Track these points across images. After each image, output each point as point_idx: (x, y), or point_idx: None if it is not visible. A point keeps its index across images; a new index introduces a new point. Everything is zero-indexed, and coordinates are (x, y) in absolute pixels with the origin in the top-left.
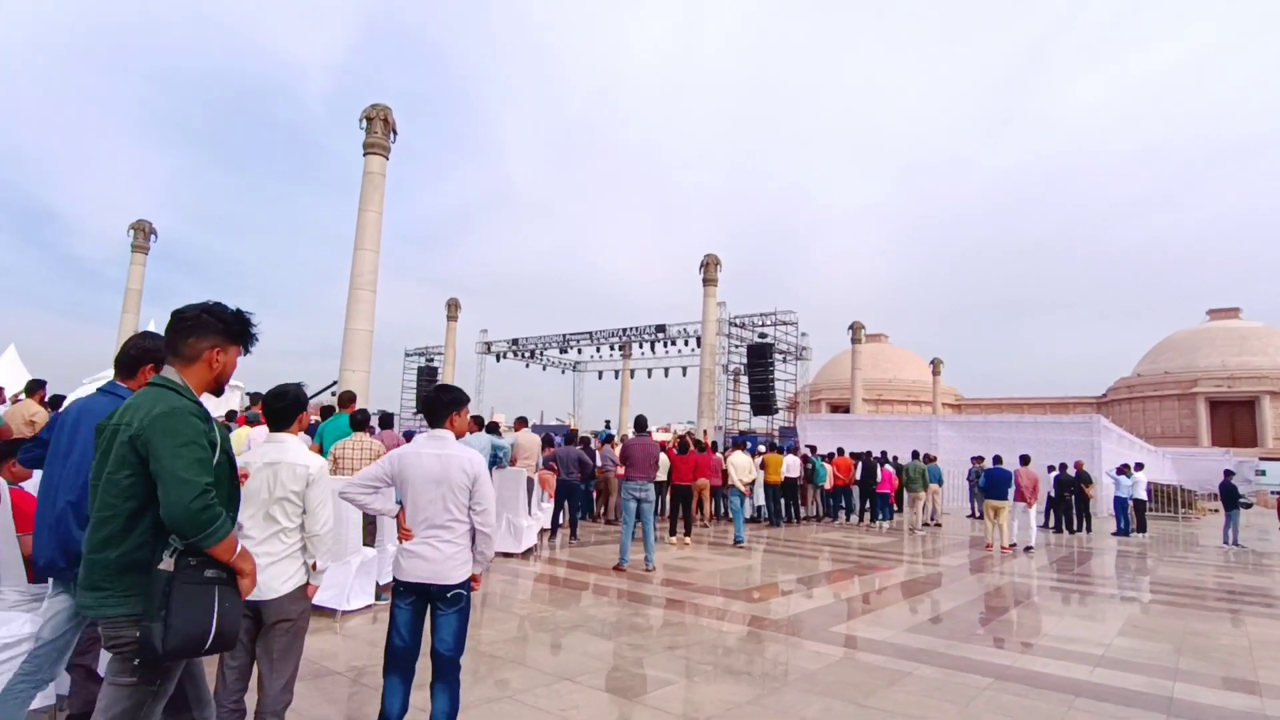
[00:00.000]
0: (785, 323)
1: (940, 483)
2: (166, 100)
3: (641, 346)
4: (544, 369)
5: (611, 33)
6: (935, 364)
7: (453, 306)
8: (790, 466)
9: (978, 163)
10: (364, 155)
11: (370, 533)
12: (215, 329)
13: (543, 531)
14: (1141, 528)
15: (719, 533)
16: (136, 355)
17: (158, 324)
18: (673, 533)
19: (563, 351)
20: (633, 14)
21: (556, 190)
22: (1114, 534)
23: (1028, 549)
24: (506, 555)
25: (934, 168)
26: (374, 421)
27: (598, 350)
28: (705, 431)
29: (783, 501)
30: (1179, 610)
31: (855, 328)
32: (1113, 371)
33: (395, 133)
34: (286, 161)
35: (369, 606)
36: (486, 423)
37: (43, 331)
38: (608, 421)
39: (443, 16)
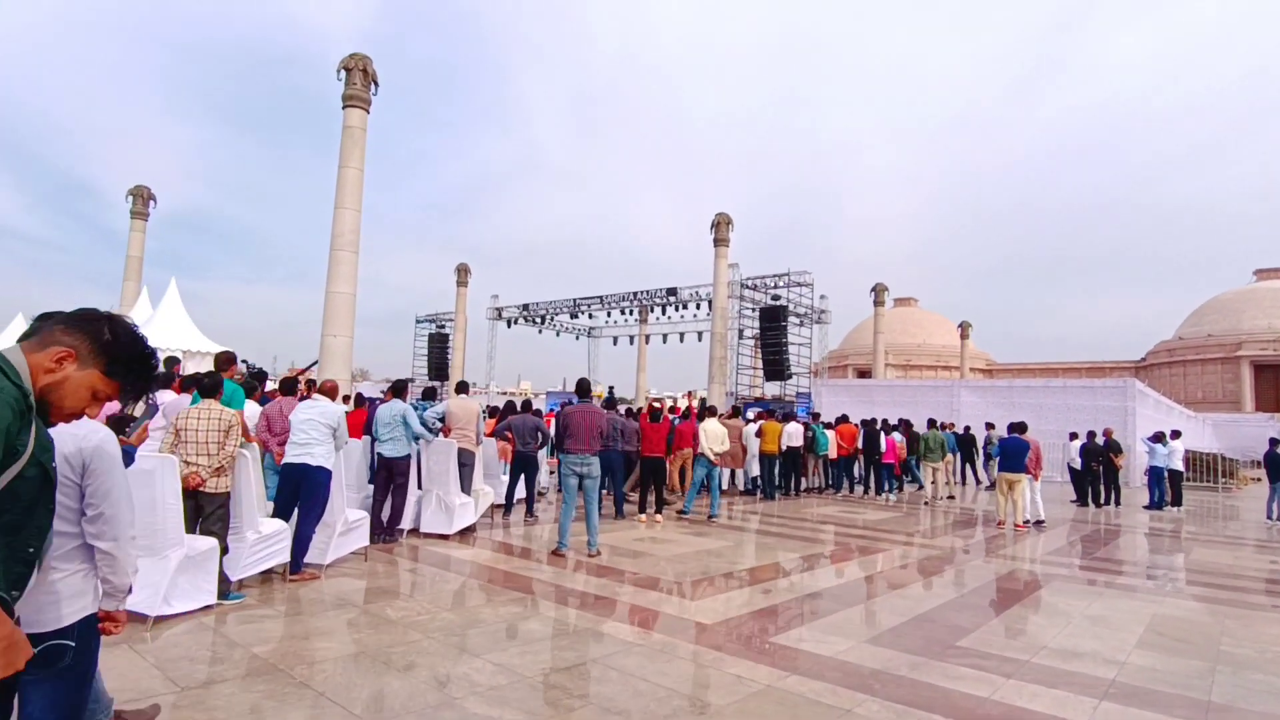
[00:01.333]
0: (800, 284)
1: (955, 452)
2: (195, 72)
3: (653, 310)
4: (558, 335)
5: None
6: (964, 327)
7: (462, 272)
8: (791, 435)
9: (1013, 120)
10: (343, 108)
11: (201, 521)
12: (85, 333)
13: (496, 507)
14: (1177, 500)
15: (703, 508)
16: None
17: (173, 293)
18: (642, 509)
19: (573, 316)
20: None
21: (582, 156)
22: (1145, 507)
23: (1039, 523)
24: (443, 537)
25: (966, 125)
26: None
27: (609, 315)
28: (692, 396)
29: (778, 473)
30: (1214, 608)
31: (878, 289)
32: (1152, 336)
33: (376, 84)
34: (313, 131)
35: (207, 608)
36: (393, 383)
37: (81, 303)
38: (611, 388)
39: None
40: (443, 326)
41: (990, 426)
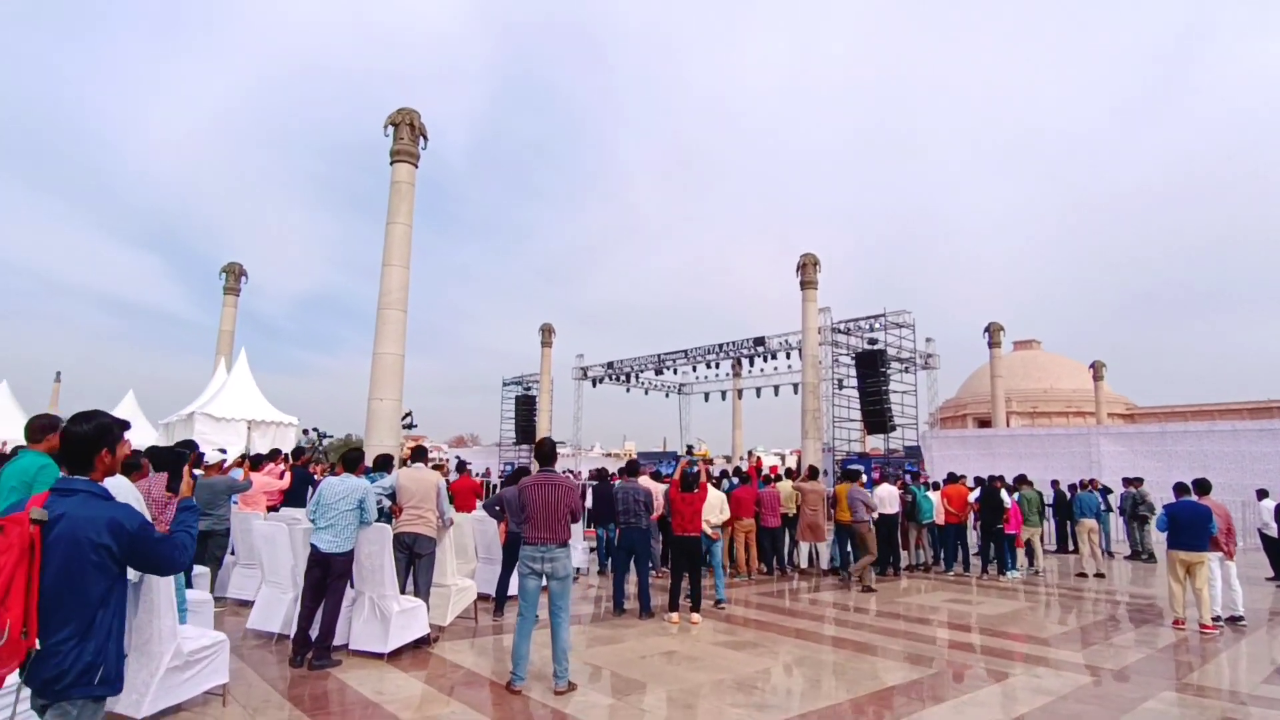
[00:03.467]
0: (899, 324)
1: (1098, 517)
2: (332, 171)
3: (739, 363)
4: (646, 393)
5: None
6: (1096, 367)
7: (546, 332)
8: (884, 500)
9: (1131, 150)
10: (391, 164)
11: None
12: None
13: (483, 599)
14: None
15: (767, 596)
16: None
17: (243, 364)
18: (672, 607)
19: (658, 373)
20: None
21: (676, 214)
22: None
23: (1233, 620)
24: (376, 656)
25: (1081, 160)
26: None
27: (694, 369)
28: (747, 456)
29: (849, 546)
30: None
31: (992, 330)
32: None
33: (425, 139)
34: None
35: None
36: (344, 453)
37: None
38: (689, 447)
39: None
40: (529, 388)
41: (1133, 483)
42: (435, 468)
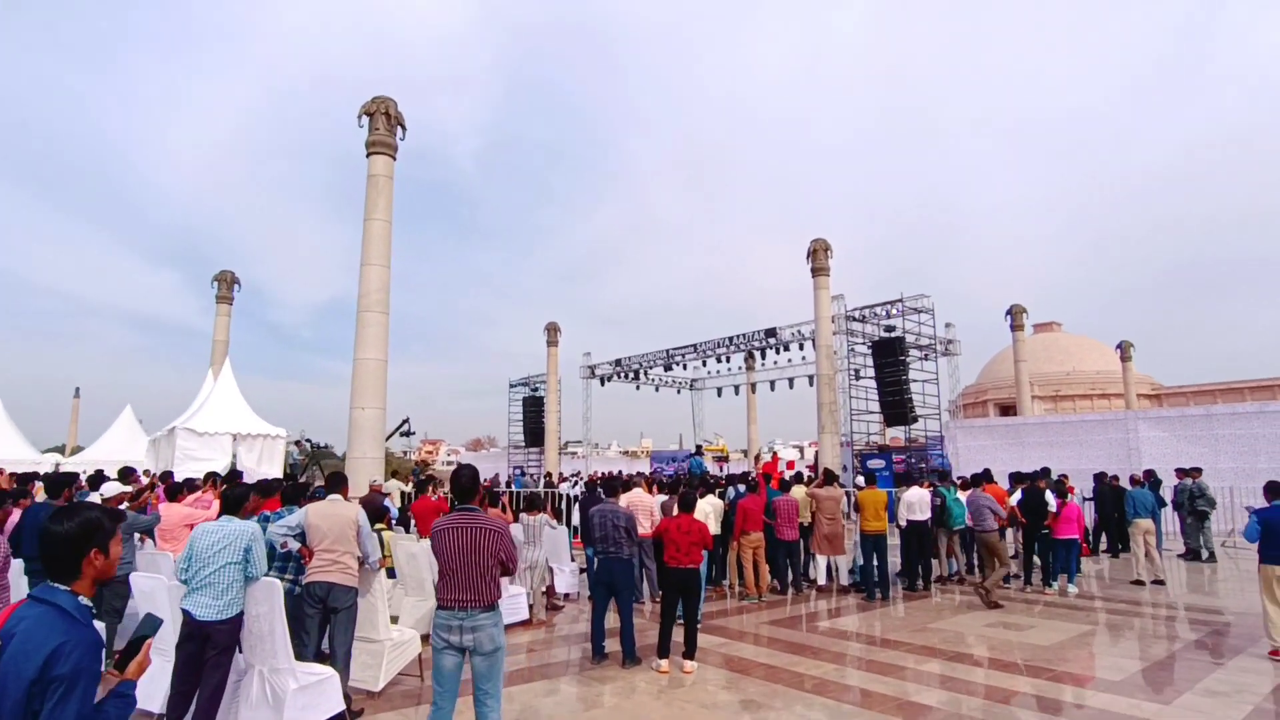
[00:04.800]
0: (918, 310)
1: (1154, 516)
2: (345, 180)
3: (751, 356)
4: (656, 390)
5: (737, 46)
6: (1124, 348)
7: (552, 331)
8: (913, 505)
9: (1151, 128)
10: (366, 156)
11: None
12: None
13: None
14: None
15: (780, 626)
16: None
17: (227, 375)
18: (661, 652)
19: (667, 369)
20: (756, 22)
21: (692, 212)
22: None
23: None
24: None
25: (1097, 140)
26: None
27: (704, 364)
28: (758, 456)
29: (875, 557)
30: None
31: (1014, 312)
32: None
33: (404, 128)
34: (443, 220)
35: None
36: (226, 489)
37: (253, 389)
38: (699, 447)
39: (573, 64)
40: (536, 390)
41: (1190, 473)
42: (426, 481)
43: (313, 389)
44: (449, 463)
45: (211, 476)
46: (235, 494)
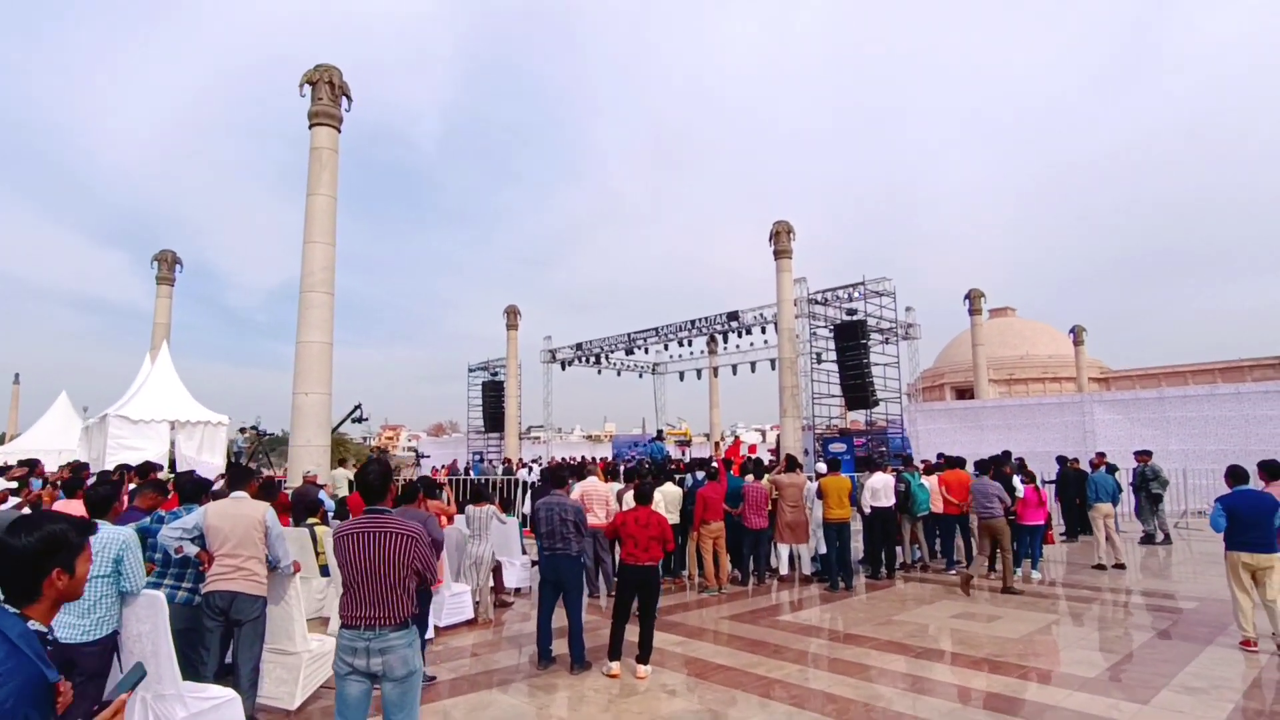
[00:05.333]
0: (879, 293)
1: (1114, 500)
2: (301, 159)
3: (714, 340)
4: (618, 374)
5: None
6: (1077, 332)
7: (512, 314)
8: (877, 491)
9: (1100, 118)
10: (309, 128)
11: None
12: None
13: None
14: None
15: (741, 621)
16: None
17: (165, 359)
18: (613, 654)
19: (629, 352)
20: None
21: (658, 196)
22: None
23: None
24: None
25: (1050, 129)
26: None
27: (665, 348)
28: (719, 441)
29: (838, 544)
30: None
31: (973, 296)
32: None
33: (349, 99)
34: (409, 201)
35: None
36: (90, 488)
37: (210, 376)
38: (659, 431)
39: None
40: (496, 374)
41: (1143, 455)
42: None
43: (269, 374)
44: (409, 448)
45: (122, 470)
46: (100, 494)
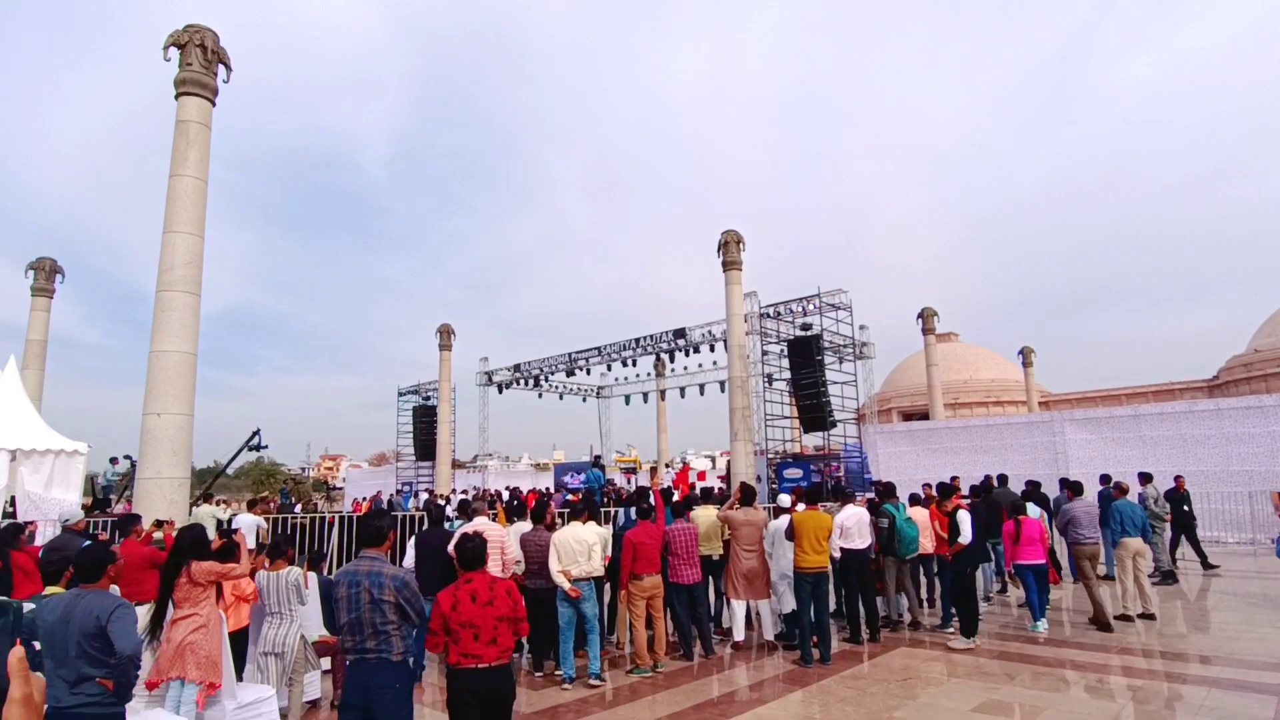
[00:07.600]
0: (836, 306)
1: (1146, 536)
2: (243, 181)
3: (661, 360)
4: (560, 397)
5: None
6: (1026, 354)
7: (445, 334)
8: (849, 530)
9: (1028, 155)
10: (176, 97)
11: None
12: None
13: None
14: None
15: (676, 711)
16: None
17: (12, 373)
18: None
19: (570, 374)
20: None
21: (605, 228)
22: None
23: None
24: None
25: (979, 166)
26: None
27: (608, 368)
28: (655, 467)
29: (808, 602)
30: None
31: (926, 315)
32: (1212, 353)
33: (228, 68)
34: (352, 226)
35: None
36: None
37: (120, 401)
38: (598, 458)
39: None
40: (427, 398)
41: (1143, 479)
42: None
43: (209, 404)
44: (345, 479)
45: None
46: None
